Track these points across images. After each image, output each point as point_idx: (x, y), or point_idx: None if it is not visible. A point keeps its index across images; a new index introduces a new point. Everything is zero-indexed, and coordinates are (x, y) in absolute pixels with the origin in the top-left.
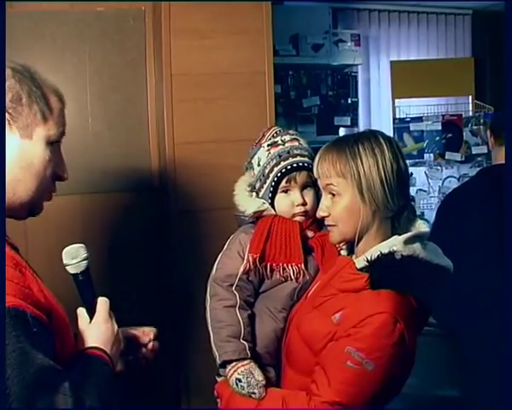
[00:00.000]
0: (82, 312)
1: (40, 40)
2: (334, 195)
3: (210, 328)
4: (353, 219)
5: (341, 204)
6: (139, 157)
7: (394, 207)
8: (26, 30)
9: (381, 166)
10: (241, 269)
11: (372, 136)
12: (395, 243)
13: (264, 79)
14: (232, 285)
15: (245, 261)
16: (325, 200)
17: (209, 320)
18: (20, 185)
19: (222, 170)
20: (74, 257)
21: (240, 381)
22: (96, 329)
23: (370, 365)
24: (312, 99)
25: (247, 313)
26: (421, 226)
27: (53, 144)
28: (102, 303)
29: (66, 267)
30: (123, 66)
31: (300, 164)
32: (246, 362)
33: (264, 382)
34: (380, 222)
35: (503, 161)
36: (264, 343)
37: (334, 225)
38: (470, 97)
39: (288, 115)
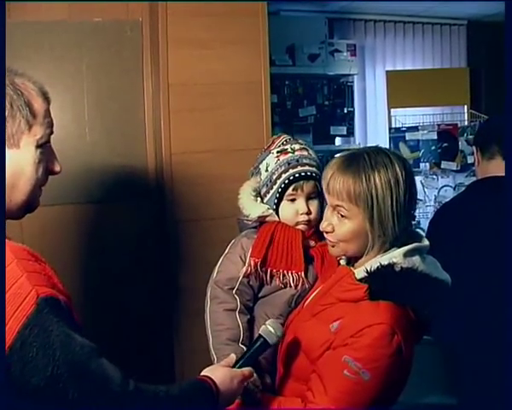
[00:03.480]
0: (232, 358)
1: (38, 50)
2: (342, 215)
3: (209, 331)
4: (357, 241)
5: (348, 227)
6: (136, 166)
7: (399, 232)
8: (24, 39)
9: (394, 199)
10: (242, 273)
11: (389, 163)
12: (395, 255)
13: (261, 88)
14: (233, 289)
15: (246, 265)
16: (331, 217)
17: (208, 323)
18: (14, 192)
19: (219, 179)
20: (276, 329)
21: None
22: (225, 372)
23: (367, 375)
24: (308, 109)
25: (247, 318)
26: (422, 240)
27: (42, 146)
28: (249, 372)
29: (264, 330)
30: (120, 76)
31: (308, 173)
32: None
33: (260, 387)
34: (383, 243)
35: (491, 175)
36: None
37: (335, 242)
38: (466, 107)
39: (285, 125)
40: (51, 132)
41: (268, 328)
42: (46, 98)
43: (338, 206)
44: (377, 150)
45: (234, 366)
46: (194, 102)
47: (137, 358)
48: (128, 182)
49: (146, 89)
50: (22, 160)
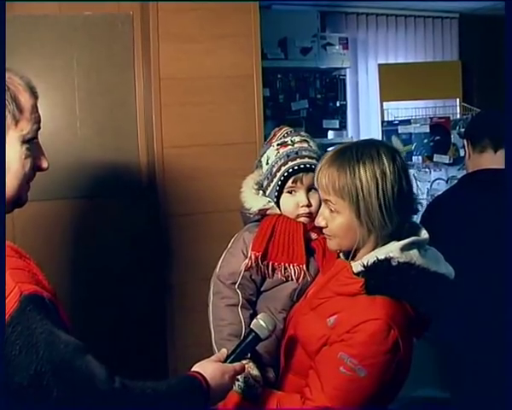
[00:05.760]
0: (223, 352)
1: (28, 44)
2: (331, 209)
3: (211, 326)
4: (350, 235)
5: (338, 221)
6: (128, 161)
7: (392, 226)
8: (14, 34)
9: (380, 191)
10: (243, 266)
11: (376, 154)
12: (392, 250)
13: (253, 82)
14: (235, 283)
15: (247, 259)
16: (324, 211)
17: (211, 318)
18: None
19: (211, 173)
20: (267, 323)
21: (237, 380)
22: (216, 367)
23: (363, 371)
24: (301, 102)
25: (249, 313)
26: (421, 233)
27: (29, 142)
28: (240, 366)
29: (255, 324)
30: (111, 70)
31: (308, 166)
32: (244, 362)
33: (261, 382)
34: (377, 236)
35: (483, 168)
36: (264, 343)
37: (331, 236)
38: (458, 100)
39: (277, 119)
40: (39, 128)
41: (259, 322)
42: (33, 93)
43: (326, 200)
44: (367, 143)
45: (225, 361)
46: (186, 97)
47: (131, 353)
48: (120, 177)
49: (137, 83)
50: (9, 155)
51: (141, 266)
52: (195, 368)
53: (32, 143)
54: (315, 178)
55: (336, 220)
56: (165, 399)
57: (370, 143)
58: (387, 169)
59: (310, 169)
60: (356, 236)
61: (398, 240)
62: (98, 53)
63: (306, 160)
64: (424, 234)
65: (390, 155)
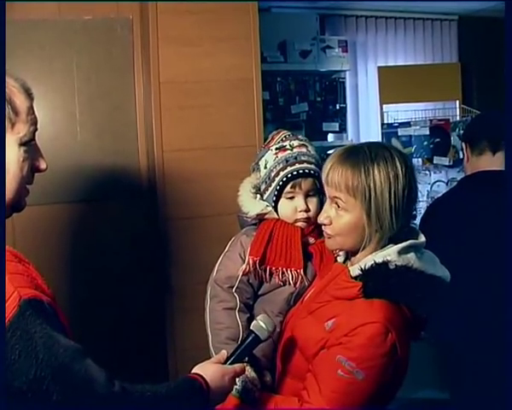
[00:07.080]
0: (223, 354)
1: (27, 48)
2: (339, 207)
3: (209, 329)
4: (354, 234)
5: (345, 219)
6: (127, 165)
7: (397, 228)
8: (13, 38)
9: (392, 193)
10: (241, 271)
11: (389, 157)
12: (389, 253)
13: (252, 85)
14: (232, 287)
15: (245, 264)
16: (329, 209)
17: (208, 322)
18: None
19: (210, 177)
20: (267, 325)
21: (235, 384)
22: (216, 369)
23: (361, 374)
24: (300, 105)
25: (246, 316)
26: (418, 236)
27: (26, 144)
28: (240, 368)
29: (255, 326)
30: (111, 74)
31: (306, 171)
32: (242, 365)
33: (259, 386)
34: (381, 238)
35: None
36: (261, 347)
37: (332, 235)
38: (457, 102)
39: (277, 122)
40: (35, 130)
41: (259, 323)
42: (29, 95)
43: (336, 197)
44: (378, 145)
45: (225, 363)
46: (186, 100)
47: (131, 355)
48: (120, 180)
49: (137, 87)
50: (6, 158)
51: (140, 268)
52: (196, 370)
53: (29, 145)
54: (324, 175)
55: (343, 219)
56: (165, 402)
57: (382, 146)
58: (400, 172)
59: (309, 174)
60: (359, 236)
61: (396, 243)
62: (98, 57)
63: (305, 165)
64: (421, 237)
65: (402, 159)
